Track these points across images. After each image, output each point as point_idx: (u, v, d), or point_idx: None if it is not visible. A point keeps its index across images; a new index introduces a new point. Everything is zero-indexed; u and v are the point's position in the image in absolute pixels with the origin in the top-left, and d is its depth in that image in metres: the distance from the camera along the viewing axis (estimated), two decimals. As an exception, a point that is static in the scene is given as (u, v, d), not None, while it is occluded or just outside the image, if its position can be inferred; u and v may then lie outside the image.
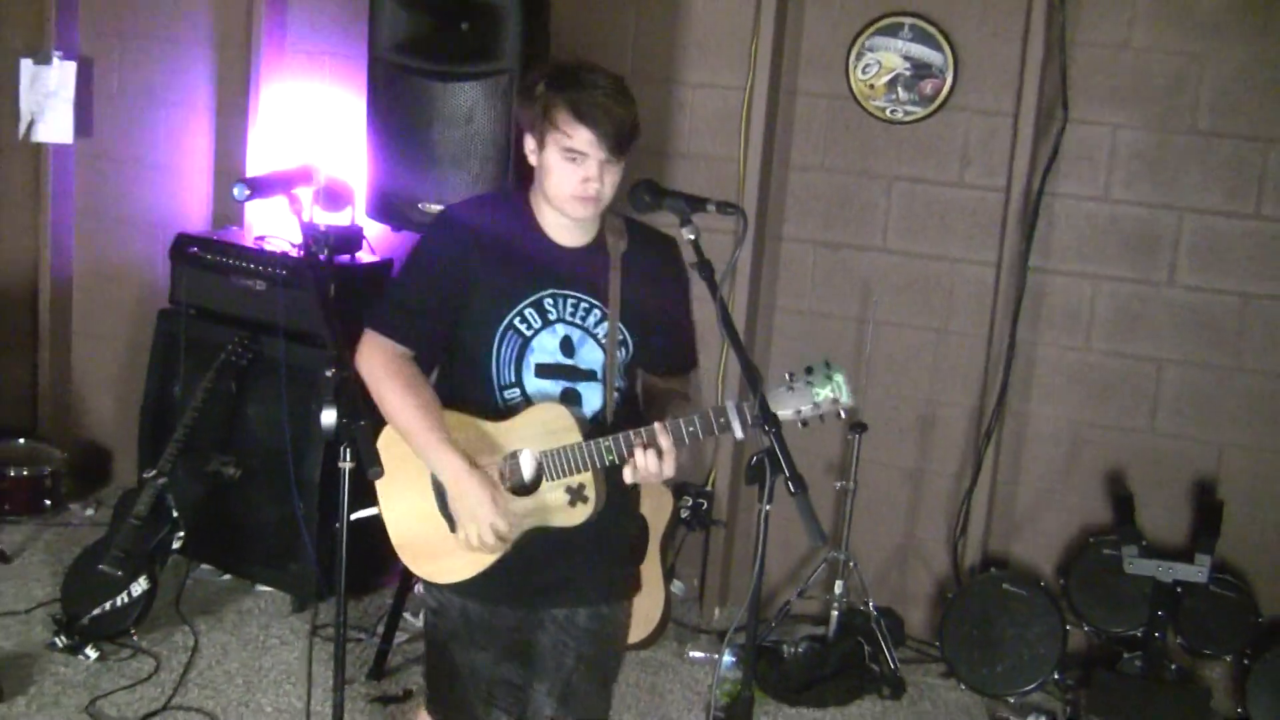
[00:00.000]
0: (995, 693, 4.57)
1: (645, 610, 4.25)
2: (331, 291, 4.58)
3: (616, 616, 2.98)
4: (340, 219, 4.92)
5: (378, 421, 2.75)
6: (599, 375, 2.81)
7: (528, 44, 4.22)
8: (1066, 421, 4.86)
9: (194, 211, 5.48)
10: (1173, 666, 4.46)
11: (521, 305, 2.75)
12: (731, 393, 5.02)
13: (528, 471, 2.75)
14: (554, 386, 2.78)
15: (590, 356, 2.80)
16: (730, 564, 5.13)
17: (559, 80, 2.70)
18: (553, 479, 2.72)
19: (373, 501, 2.82)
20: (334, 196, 4.86)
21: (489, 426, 2.75)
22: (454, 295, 2.75)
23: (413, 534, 2.81)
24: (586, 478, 2.72)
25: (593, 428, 2.76)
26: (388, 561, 4.76)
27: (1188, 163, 4.59)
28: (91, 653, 4.32)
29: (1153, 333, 4.72)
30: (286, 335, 4.69)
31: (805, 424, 2.65)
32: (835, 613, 4.73)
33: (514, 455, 2.74)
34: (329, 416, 2.65)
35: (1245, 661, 4.43)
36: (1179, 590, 4.37)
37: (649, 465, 2.64)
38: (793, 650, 4.63)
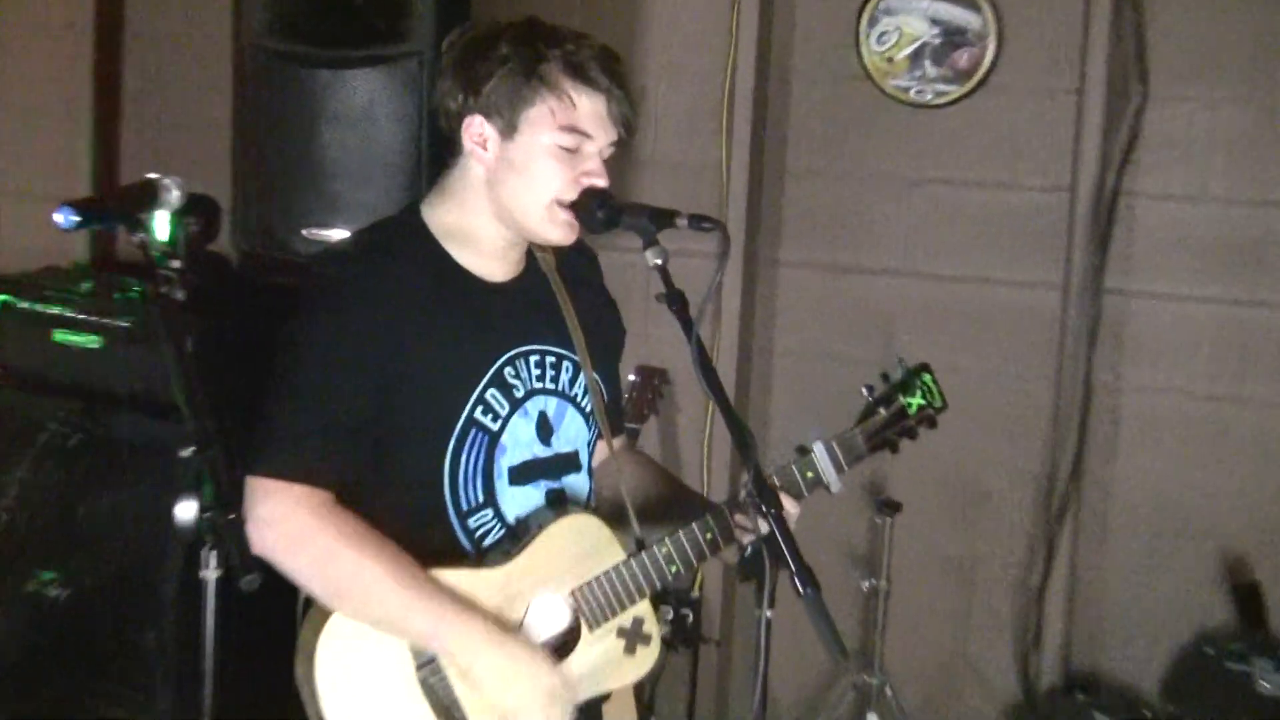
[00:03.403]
0: None
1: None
2: (189, 345, 3.65)
3: None
4: (203, 249, 3.98)
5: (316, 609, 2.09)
6: (581, 456, 2.27)
7: (443, 20, 3.63)
8: (1165, 489, 4.06)
9: (10, 247, 4.68)
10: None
11: (481, 387, 2.12)
12: (720, 463, 4.24)
13: (556, 625, 2.14)
14: (535, 492, 2.19)
15: (571, 432, 2.24)
16: (728, 691, 4.37)
17: (535, 35, 2.06)
18: (597, 625, 2.14)
19: (274, 647, 2.20)
20: (193, 220, 4.12)
21: (488, 575, 2.09)
22: (379, 400, 2.04)
23: None
24: (642, 608, 2.19)
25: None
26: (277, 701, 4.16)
27: (1310, 147, 3.85)
28: None
29: (1273, 369, 3.90)
30: (130, 405, 3.94)
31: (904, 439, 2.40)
32: (869, 754, 3.89)
33: (529, 609, 2.13)
34: (187, 510, 2.41)
35: None
36: (1334, 717, 3.57)
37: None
38: (816, 805, 3.74)
